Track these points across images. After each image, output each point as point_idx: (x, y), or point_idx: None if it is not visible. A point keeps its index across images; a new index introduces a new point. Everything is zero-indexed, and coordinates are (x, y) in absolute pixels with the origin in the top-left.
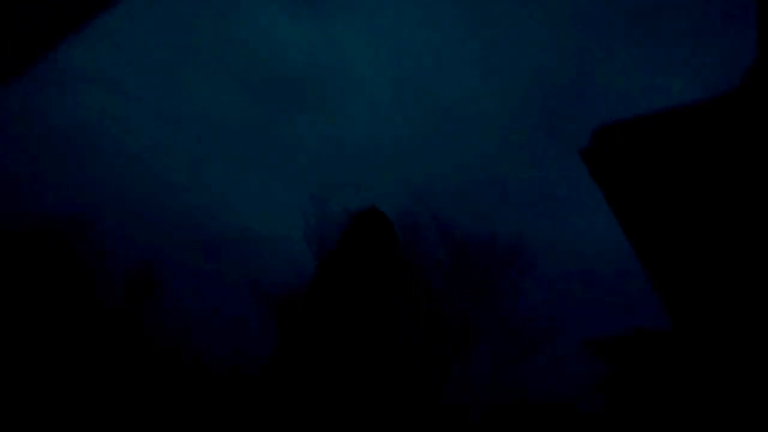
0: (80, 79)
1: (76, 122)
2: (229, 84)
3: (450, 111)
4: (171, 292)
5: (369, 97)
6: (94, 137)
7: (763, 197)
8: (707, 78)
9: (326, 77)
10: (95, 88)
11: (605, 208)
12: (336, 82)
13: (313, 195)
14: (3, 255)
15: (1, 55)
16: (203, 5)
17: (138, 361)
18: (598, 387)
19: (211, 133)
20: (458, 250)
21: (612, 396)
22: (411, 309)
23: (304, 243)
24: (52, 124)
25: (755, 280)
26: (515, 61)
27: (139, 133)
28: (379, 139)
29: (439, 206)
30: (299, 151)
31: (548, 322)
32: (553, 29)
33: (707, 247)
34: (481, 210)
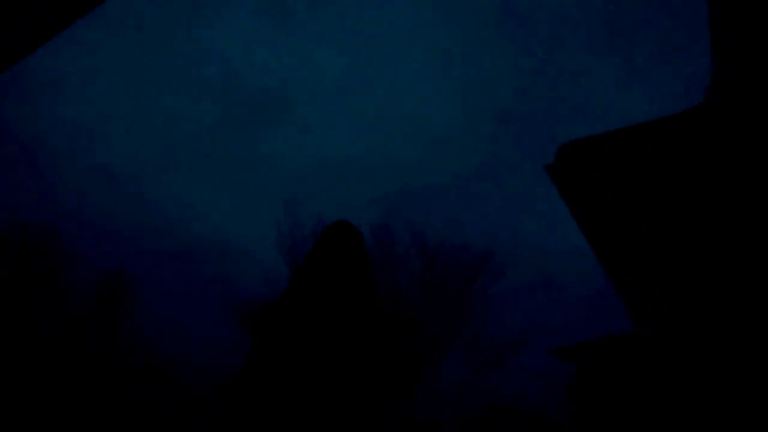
0: (49, 88)
1: (44, 132)
2: (201, 96)
3: (424, 123)
4: (142, 302)
5: (343, 110)
6: (63, 147)
7: (725, 211)
8: (678, 94)
9: (300, 90)
10: (64, 98)
11: (569, 220)
12: (310, 95)
13: (287, 205)
14: None
15: None
16: (176, 17)
17: (109, 371)
18: (567, 391)
19: (184, 145)
20: (431, 258)
21: (580, 400)
22: (382, 319)
23: (277, 253)
24: (21, 133)
25: (714, 288)
26: (489, 76)
27: (109, 144)
28: (353, 151)
29: (413, 216)
30: (273, 163)
31: (519, 329)
32: (526, 46)
33: (673, 261)
34: (453, 220)
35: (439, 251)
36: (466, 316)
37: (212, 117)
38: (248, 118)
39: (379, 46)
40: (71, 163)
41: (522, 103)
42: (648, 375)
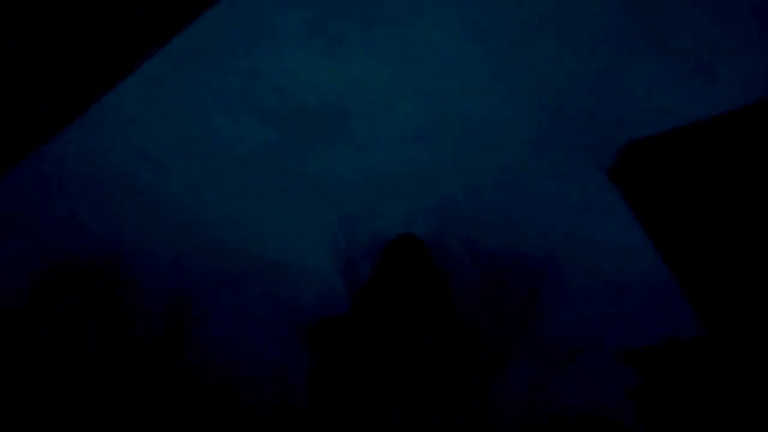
0: (109, 122)
1: (106, 165)
2: (255, 119)
3: (474, 131)
4: (206, 325)
5: (393, 124)
6: (124, 178)
7: None
8: (734, 89)
9: (349, 107)
10: (122, 130)
11: (631, 220)
12: (359, 111)
13: (342, 221)
14: (43, 293)
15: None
16: (227, 42)
17: (177, 392)
18: (631, 396)
19: (240, 169)
20: (488, 269)
21: (645, 405)
22: (448, 331)
23: (334, 269)
24: (82, 163)
25: None
26: (540, 79)
27: (170, 172)
28: (405, 164)
29: (468, 226)
30: (326, 180)
31: (582, 337)
32: (576, 46)
33: (738, 256)
34: (509, 229)
35: (495, 261)
36: (528, 322)
37: (267, 140)
38: (302, 138)
39: (424, 56)
40: (130, 191)
41: (572, 104)
42: (720, 383)
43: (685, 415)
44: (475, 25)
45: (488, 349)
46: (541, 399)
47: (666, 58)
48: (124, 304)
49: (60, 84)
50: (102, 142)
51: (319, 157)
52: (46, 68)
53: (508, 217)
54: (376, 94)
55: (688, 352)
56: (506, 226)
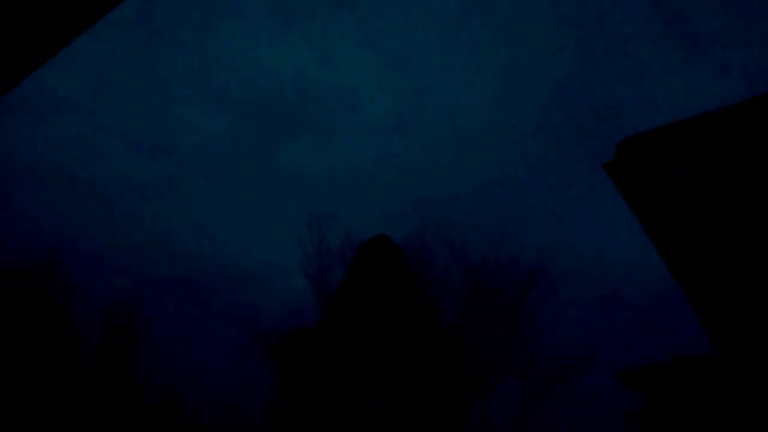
0: (54, 108)
1: (53, 155)
2: (216, 109)
3: (462, 125)
4: (157, 339)
5: (369, 115)
6: (70, 171)
7: None
8: (738, 81)
9: (323, 97)
10: (69, 118)
11: (633, 224)
12: (333, 101)
13: (312, 224)
14: None
15: None
16: (185, 26)
17: (123, 413)
18: (633, 419)
19: (198, 163)
20: (474, 275)
21: (650, 429)
22: (427, 341)
23: (300, 273)
24: (30, 156)
25: None
26: (532, 72)
27: (118, 165)
28: (383, 158)
29: (452, 228)
30: (296, 175)
31: (576, 351)
32: (573, 39)
33: (751, 260)
34: (497, 231)
35: (482, 267)
36: (517, 337)
37: (231, 132)
38: (270, 130)
39: (406, 48)
40: (73, 186)
41: (566, 102)
42: (735, 406)
43: None
44: (462, 14)
45: (471, 361)
46: (532, 417)
47: (664, 51)
48: (62, 310)
49: None
50: (45, 134)
51: (287, 150)
52: None
53: (497, 218)
54: (353, 84)
55: (698, 371)
56: (495, 228)
